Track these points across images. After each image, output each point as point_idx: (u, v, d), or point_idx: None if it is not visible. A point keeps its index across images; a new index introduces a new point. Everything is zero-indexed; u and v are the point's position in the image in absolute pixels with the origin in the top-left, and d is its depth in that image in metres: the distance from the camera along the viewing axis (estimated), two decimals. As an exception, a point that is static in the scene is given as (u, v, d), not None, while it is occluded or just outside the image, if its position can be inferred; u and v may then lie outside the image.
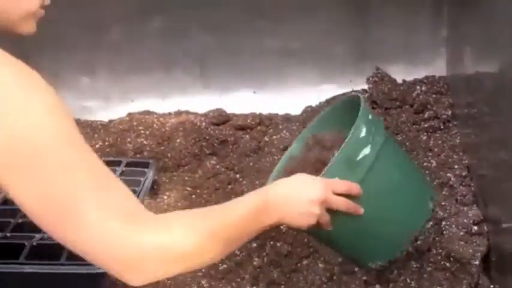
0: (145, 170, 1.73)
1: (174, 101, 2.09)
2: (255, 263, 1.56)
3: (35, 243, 1.37)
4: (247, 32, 2.01)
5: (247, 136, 1.93)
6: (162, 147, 1.88)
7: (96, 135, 2.00)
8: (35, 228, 0.80)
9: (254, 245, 1.59)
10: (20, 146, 0.75)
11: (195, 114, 2.04)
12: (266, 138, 1.91)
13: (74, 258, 1.16)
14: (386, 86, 1.89)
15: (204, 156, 1.88)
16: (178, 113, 2.07)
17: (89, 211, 0.77)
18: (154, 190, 1.79)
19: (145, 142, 1.91)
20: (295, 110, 2.00)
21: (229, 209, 0.96)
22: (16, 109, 0.75)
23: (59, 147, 0.77)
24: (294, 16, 1.98)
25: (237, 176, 1.82)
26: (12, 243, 1.39)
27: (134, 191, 1.57)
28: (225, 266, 1.56)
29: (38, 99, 0.78)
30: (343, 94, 1.92)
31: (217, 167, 1.85)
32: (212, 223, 0.89)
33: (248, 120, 1.96)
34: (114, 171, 1.69)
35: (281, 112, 2.02)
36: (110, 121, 2.08)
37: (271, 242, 1.59)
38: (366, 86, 1.94)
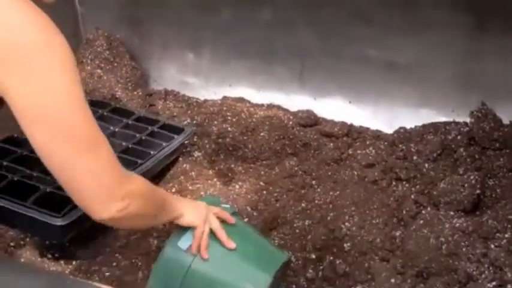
0: (175, 136, 1.82)
1: (268, 94, 2.09)
2: (308, 274, 1.52)
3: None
4: (352, 38, 1.94)
5: (331, 144, 1.88)
6: (245, 137, 1.87)
7: (189, 112, 2.04)
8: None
9: (313, 256, 1.55)
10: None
11: (285, 111, 2.01)
12: (350, 151, 1.85)
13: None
14: (489, 124, 1.77)
15: (284, 155, 1.85)
16: (270, 107, 2.05)
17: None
18: (228, 177, 1.79)
19: (229, 129, 1.90)
20: (388, 128, 1.93)
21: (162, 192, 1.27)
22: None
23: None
24: (403, 30, 1.88)
25: (313, 182, 1.77)
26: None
27: (148, 154, 1.72)
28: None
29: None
30: (444, 123, 1.83)
31: (295, 168, 1.81)
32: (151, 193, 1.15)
33: (336, 128, 1.91)
34: (146, 129, 1.83)
35: (372, 127, 1.95)
36: (205, 100, 2.12)
37: (331, 258, 1.54)
38: (467, 120, 1.83)
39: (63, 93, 0.94)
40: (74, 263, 1.41)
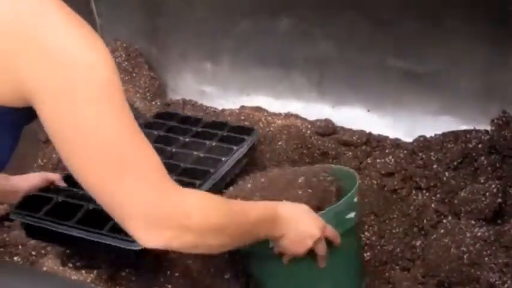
0: (245, 137, 1.74)
1: (286, 103, 2.08)
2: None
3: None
4: (370, 47, 1.93)
5: (350, 153, 1.87)
6: (262, 146, 1.86)
7: (207, 121, 2.04)
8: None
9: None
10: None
11: (303, 120, 2.01)
12: (369, 160, 1.84)
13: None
14: (510, 132, 1.74)
15: (302, 164, 1.83)
16: (288, 116, 2.05)
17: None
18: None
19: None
20: (407, 137, 1.90)
21: (247, 207, 1.07)
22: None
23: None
24: (423, 39, 1.87)
25: (332, 191, 1.76)
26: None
27: (220, 160, 1.62)
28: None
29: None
30: (464, 131, 1.81)
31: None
32: (230, 212, 0.99)
33: (354, 137, 1.90)
34: (216, 135, 1.75)
35: (392, 136, 1.93)
36: (223, 110, 2.12)
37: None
38: (488, 128, 1.81)
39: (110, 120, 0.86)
40: (95, 272, 1.40)
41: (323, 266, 1.20)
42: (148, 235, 0.89)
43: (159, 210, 0.89)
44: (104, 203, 0.89)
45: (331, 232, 1.19)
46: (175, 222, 0.90)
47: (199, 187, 1.48)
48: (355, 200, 1.29)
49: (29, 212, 1.39)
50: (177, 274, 1.43)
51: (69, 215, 1.37)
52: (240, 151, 1.69)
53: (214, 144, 1.72)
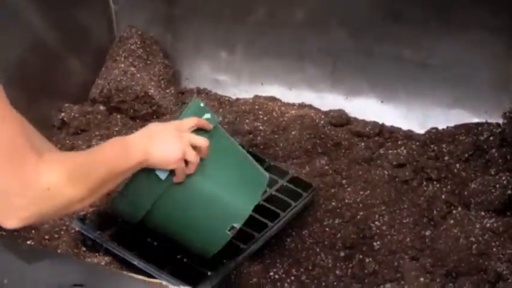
0: (303, 193, 1.65)
1: (300, 93, 2.08)
2: (337, 272, 1.53)
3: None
4: (385, 37, 1.93)
5: (362, 144, 1.87)
6: (276, 136, 1.88)
7: (220, 110, 2.05)
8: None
9: (342, 254, 1.56)
10: None
11: (317, 110, 2.01)
12: (381, 151, 1.84)
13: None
14: (522, 125, 1.75)
15: (315, 154, 1.85)
16: (301, 106, 2.06)
17: None
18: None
19: (260, 127, 1.91)
20: (420, 128, 1.91)
21: (92, 149, 1.11)
22: None
23: None
24: (438, 30, 1.86)
25: (343, 181, 1.77)
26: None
27: (278, 215, 1.57)
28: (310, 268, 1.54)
29: None
30: (476, 124, 1.81)
31: (326, 167, 1.81)
32: (74, 161, 0.98)
33: (367, 128, 1.91)
34: (276, 182, 1.67)
35: (404, 127, 1.94)
36: (237, 99, 2.13)
37: (360, 256, 1.55)
38: (500, 121, 1.81)
39: None
40: (108, 256, 1.42)
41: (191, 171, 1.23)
42: (7, 218, 0.90)
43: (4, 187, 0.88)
44: None
45: (191, 122, 1.24)
46: (24, 197, 0.89)
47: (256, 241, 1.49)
48: (202, 104, 1.32)
49: (93, 227, 1.45)
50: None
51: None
52: (297, 207, 1.62)
53: (273, 193, 1.65)
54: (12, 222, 0.90)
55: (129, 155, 1.11)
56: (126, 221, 1.38)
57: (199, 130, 1.27)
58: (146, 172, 1.22)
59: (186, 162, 1.22)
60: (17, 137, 0.88)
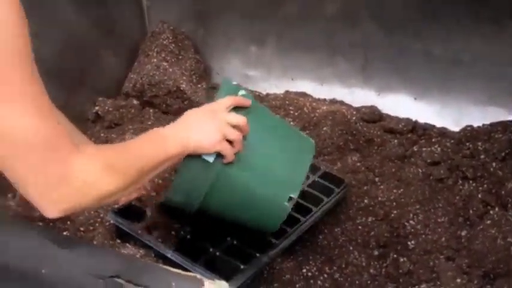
0: (335, 189, 1.63)
1: (331, 89, 2.07)
2: (371, 271, 1.51)
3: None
4: (418, 33, 1.91)
5: (395, 141, 1.85)
6: (307, 132, 1.86)
7: (250, 105, 2.05)
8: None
9: (376, 253, 1.54)
10: None
11: (349, 106, 2.00)
12: (415, 148, 1.82)
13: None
14: (560, 123, 1.72)
15: (347, 151, 1.84)
16: (333, 102, 2.04)
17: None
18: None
19: (291, 123, 1.90)
20: (454, 126, 1.89)
21: (129, 142, 1.11)
22: None
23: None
24: (471, 26, 1.84)
25: (376, 179, 1.75)
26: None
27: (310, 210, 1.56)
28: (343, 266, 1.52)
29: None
30: (510, 122, 1.78)
31: (358, 164, 1.80)
32: (111, 153, 0.99)
33: (400, 125, 1.89)
34: (308, 177, 1.64)
35: (438, 125, 1.91)
36: (267, 94, 2.13)
37: (395, 256, 1.53)
38: (536, 117, 1.78)
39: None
40: (143, 248, 1.42)
41: (238, 148, 1.22)
42: (48, 206, 0.90)
43: (45, 178, 0.88)
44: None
45: (229, 101, 1.23)
46: (63, 188, 0.89)
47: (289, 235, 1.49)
48: (234, 83, 1.33)
49: (127, 220, 1.45)
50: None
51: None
52: (330, 203, 1.60)
53: (305, 188, 1.62)
54: (52, 213, 0.91)
55: (166, 146, 1.11)
56: (175, 213, 1.38)
57: (237, 108, 1.26)
58: (194, 159, 1.21)
59: (231, 141, 1.21)
60: (55, 130, 0.88)
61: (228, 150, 1.21)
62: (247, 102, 1.27)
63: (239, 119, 1.22)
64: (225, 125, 1.19)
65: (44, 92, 0.88)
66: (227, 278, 1.30)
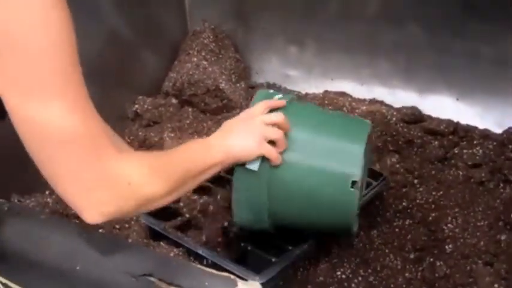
0: (373, 182, 1.61)
1: (371, 89, 2.05)
2: (407, 274, 1.48)
3: None
4: (462, 33, 1.86)
5: (436, 142, 1.82)
6: (346, 132, 1.85)
7: (290, 105, 2.05)
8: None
9: (412, 256, 1.51)
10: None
11: (389, 107, 1.97)
12: (456, 150, 1.79)
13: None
14: None
15: (386, 152, 1.81)
16: (373, 102, 2.02)
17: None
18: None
19: (330, 123, 1.88)
20: (497, 128, 1.84)
21: (172, 150, 1.10)
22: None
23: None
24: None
25: (415, 181, 1.72)
26: None
27: None
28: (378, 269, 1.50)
29: None
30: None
31: (397, 166, 1.77)
32: (154, 158, 0.98)
33: (442, 126, 1.85)
34: None
35: (481, 126, 1.87)
36: (306, 94, 2.12)
37: (431, 259, 1.50)
38: None
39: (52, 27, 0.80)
40: (177, 247, 1.42)
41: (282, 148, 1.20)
42: (88, 211, 0.87)
43: (85, 178, 0.85)
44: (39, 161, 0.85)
45: (263, 105, 1.22)
46: (104, 190, 0.87)
47: None
48: (271, 91, 1.36)
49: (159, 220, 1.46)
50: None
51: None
52: (368, 195, 1.58)
53: None
54: (93, 218, 0.88)
55: (208, 155, 1.11)
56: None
57: (273, 111, 1.25)
58: (240, 171, 1.21)
59: (273, 143, 1.20)
60: (97, 130, 0.87)
61: (271, 152, 1.19)
62: (282, 103, 1.26)
63: (276, 116, 1.21)
64: (262, 126, 1.18)
65: (85, 92, 0.87)
66: (258, 271, 1.30)
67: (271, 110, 1.24)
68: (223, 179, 1.50)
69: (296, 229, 1.36)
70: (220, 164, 1.14)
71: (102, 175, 0.86)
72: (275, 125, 1.20)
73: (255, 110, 1.23)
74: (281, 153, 1.21)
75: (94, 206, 0.87)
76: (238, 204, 1.27)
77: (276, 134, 1.19)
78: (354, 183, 1.24)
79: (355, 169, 1.25)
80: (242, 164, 1.21)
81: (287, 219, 1.31)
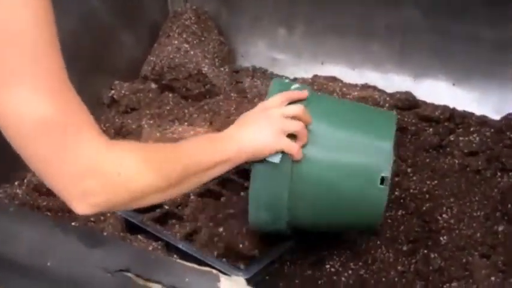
0: None
1: (363, 73, 1.99)
2: (399, 267, 1.42)
3: None
4: (459, 14, 1.80)
5: (430, 129, 1.76)
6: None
7: (278, 90, 2.00)
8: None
9: (405, 248, 1.46)
10: None
11: (381, 92, 1.91)
12: (451, 137, 1.73)
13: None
14: None
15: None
16: (364, 87, 1.95)
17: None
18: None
19: (320, 108, 1.82)
20: (495, 114, 1.78)
21: (177, 143, 1.05)
22: None
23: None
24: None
25: (409, 169, 1.66)
26: None
27: None
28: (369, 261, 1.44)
29: None
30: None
31: (389, 154, 1.72)
32: (148, 148, 0.94)
33: (437, 113, 1.79)
34: None
35: (478, 113, 1.81)
36: (295, 79, 2.06)
37: (425, 251, 1.44)
38: None
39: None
40: (156, 241, 1.38)
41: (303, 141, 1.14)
42: (78, 203, 0.82)
43: (74, 167, 0.80)
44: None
45: (279, 97, 1.16)
46: (95, 181, 0.82)
47: None
48: (286, 80, 1.32)
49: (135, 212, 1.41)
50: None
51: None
52: None
53: None
54: (82, 209, 0.83)
55: (217, 150, 1.04)
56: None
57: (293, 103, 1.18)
58: (262, 165, 1.14)
59: (293, 136, 1.13)
60: (79, 116, 0.81)
61: (291, 146, 1.12)
62: (303, 94, 1.18)
63: (295, 108, 1.13)
64: (280, 119, 1.11)
65: (65, 76, 0.81)
66: (242, 266, 1.27)
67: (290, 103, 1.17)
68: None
69: (314, 229, 1.31)
70: (231, 161, 1.06)
71: (88, 163, 0.80)
72: (295, 117, 1.13)
73: (272, 102, 1.15)
74: (303, 147, 1.15)
75: (82, 197, 0.82)
76: (255, 203, 1.20)
77: (297, 126, 1.12)
78: (383, 179, 1.19)
79: (385, 165, 1.20)
80: (260, 161, 1.14)
81: (308, 218, 1.25)
